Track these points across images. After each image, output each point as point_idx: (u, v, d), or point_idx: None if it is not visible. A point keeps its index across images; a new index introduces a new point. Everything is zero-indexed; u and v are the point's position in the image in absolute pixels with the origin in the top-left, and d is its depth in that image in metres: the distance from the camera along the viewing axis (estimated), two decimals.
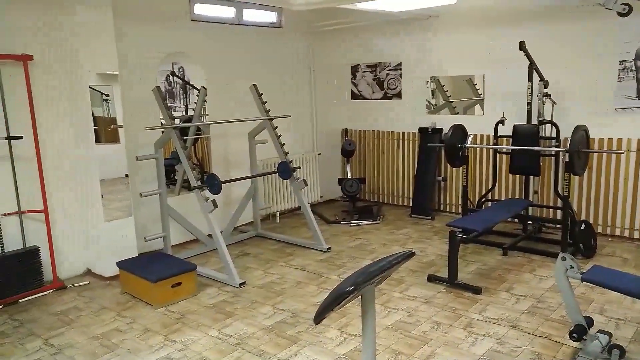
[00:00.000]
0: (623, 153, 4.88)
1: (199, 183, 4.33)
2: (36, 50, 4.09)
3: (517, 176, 5.54)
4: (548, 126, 5.01)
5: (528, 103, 5.04)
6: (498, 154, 5.45)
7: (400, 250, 2.59)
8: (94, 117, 4.24)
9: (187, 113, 6.57)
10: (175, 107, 6.80)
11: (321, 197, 6.80)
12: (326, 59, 6.87)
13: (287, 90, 6.40)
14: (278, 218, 6.22)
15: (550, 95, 4.94)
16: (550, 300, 3.76)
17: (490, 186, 5.41)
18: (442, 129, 6.01)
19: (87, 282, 4.40)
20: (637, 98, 4.74)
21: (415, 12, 5.59)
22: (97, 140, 4.28)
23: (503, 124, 5.11)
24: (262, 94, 5.19)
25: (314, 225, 5.06)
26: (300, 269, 4.58)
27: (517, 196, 5.59)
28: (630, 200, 4.92)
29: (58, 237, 4.36)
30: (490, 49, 5.57)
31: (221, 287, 4.20)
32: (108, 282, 4.39)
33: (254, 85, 5.19)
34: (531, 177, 5.19)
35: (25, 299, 4.03)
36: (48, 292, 4.18)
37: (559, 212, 5.14)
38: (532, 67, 4.91)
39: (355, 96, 6.90)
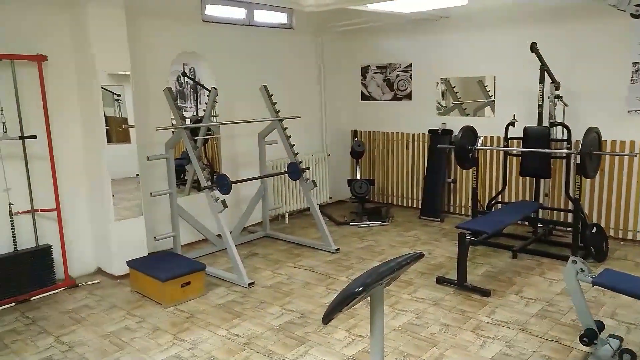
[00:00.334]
0: (636, 155, 4.83)
1: (209, 183, 4.35)
2: (50, 50, 4.14)
3: (528, 178, 5.50)
4: (559, 128, 4.98)
5: (539, 105, 5.01)
6: (508, 156, 5.41)
7: (409, 251, 2.58)
8: (106, 117, 4.28)
9: (197, 113, 6.61)
10: (186, 107, 6.85)
11: (330, 198, 6.80)
12: (336, 60, 6.87)
13: (297, 91, 6.41)
14: (287, 219, 6.23)
15: (562, 97, 4.91)
16: (561, 303, 3.73)
17: (500, 188, 5.39)
18: (452, 131, 5.98)
19: (98, 280, 4.45)
20: None
21: (426, 13, 5.58)
22: (109, 140, 4.33)
23: (514, 126, 5.08)
24: (272, 94, 5.21)
25: (322, 226, 5.06)
26: (308, 270, 4.59)
27: (527, 198, 5.56)
28: None
29: (70, 235, 4.41)
30: (501, 50, 5.54)
31: (230, 287, 4.22)
32: (118, 280, 4.43)
33: (264, 86, 5.21)
34: (542, 180, 5.16)
35: (37, 297, 4.08)
36: (60, 290, 4.22)
37: (569, 215, 5.09)
38: (544, 68, 4.88)
39: (365, 97, 6.89)
